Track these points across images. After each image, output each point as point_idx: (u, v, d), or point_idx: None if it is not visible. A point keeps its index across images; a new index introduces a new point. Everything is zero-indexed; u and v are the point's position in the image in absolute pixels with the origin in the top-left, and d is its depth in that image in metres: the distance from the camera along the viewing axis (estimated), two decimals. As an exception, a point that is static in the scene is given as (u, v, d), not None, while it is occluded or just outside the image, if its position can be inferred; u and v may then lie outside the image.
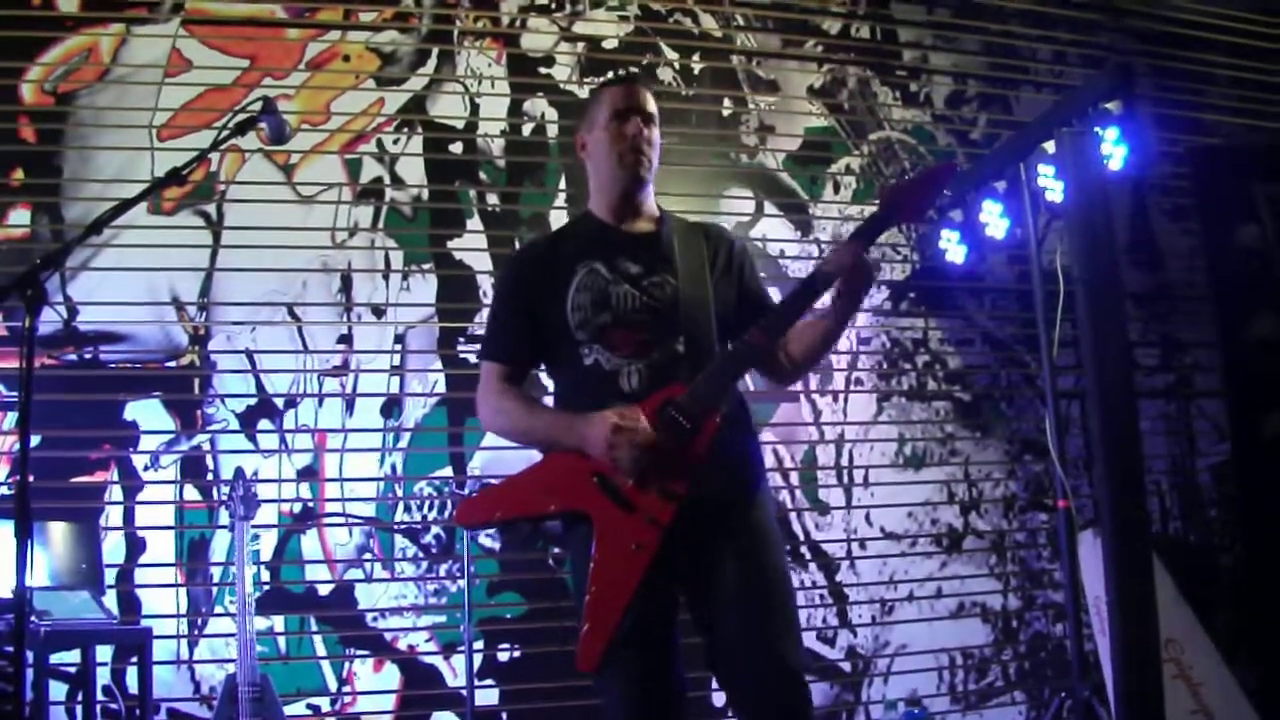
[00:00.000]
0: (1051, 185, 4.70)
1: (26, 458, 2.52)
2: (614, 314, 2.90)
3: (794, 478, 5.55)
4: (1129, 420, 4.40)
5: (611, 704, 2.77)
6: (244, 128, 3.08)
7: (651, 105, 3.05)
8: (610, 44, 5.67)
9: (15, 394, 4.54)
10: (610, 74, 5.56)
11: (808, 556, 5.48)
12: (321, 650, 4.80)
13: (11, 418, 4.57)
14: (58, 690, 4.29)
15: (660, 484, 2.73)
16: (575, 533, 2.85)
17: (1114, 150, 4.53)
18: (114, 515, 4.68)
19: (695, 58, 5.82)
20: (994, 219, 5.16)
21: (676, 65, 5.77)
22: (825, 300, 2.87)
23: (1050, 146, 4.67)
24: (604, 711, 2.80)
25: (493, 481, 4.94)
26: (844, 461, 5.65)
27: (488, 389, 3.02)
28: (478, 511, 3.05)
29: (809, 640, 5.38)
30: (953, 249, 5.43)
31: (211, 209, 5.01)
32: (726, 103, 5.82)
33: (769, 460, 5.45)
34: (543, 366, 3.10)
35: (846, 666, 5.46)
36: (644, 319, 2.89)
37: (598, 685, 2.76)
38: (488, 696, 4.87)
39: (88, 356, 4.76)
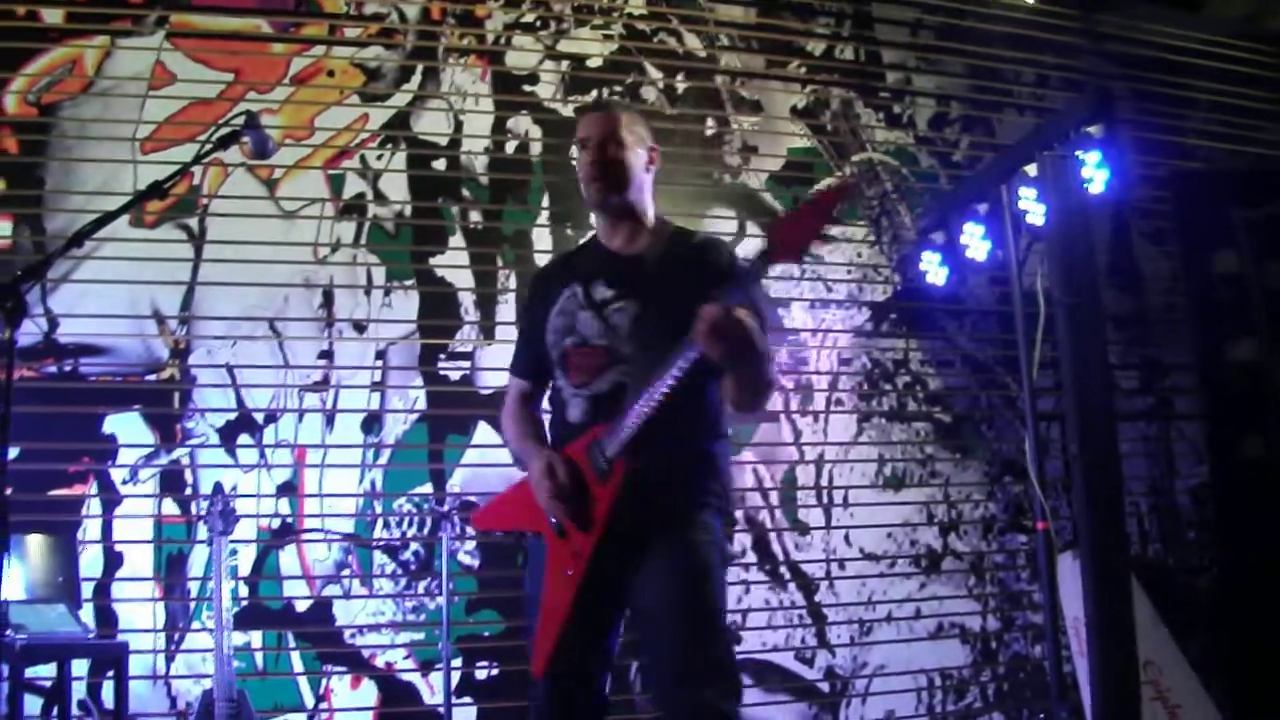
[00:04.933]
0: (1033, 208, 4.73)
1: (4, 470, 2.51)
2: (575, 340, 2.97)
3: (774, 498, 5.55)
4: (1108, 442, 4.42)
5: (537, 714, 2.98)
6: (227, 142, 3.09)
7: (603, 127, 3.03)
8: (595, 63, 5.68)
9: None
10: (594, 94, 5.59)
11: (787, 577, 5.48)
12: (299, 666, 4.78)
13: (-11, 430, 4.54)
14: (33, 704, 4.25)
15: (582, 520, 2.86)
16: (536, 550, 3.04)
17: (1095, 174, 4.56)
18: (92, 529, 4.65)
19: (679, 77, 5.84)
20: (975, 241, 5.18)
21: (660, 85, 5.79)
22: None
23: (1032, 169, 4.69)
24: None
25: (472, 499, 4.98)
26: (824, 482, 5.65)
27: (507, 405, 3.26)
28: (488, 520, 3.63)
29: (788, 660, 5.38)
30: (934, 271, 5.45)
31: (194, 223, 5.00)
32: (710, 122, 5.84)
33: (748, 480, 5.46)
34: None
35: (825, 687, 5.44)
36: (598, 347, 2.94)
37: (530, 694, 3.00)
38: (465, 714, 4.85)
39: (67, 369, 4.74)
